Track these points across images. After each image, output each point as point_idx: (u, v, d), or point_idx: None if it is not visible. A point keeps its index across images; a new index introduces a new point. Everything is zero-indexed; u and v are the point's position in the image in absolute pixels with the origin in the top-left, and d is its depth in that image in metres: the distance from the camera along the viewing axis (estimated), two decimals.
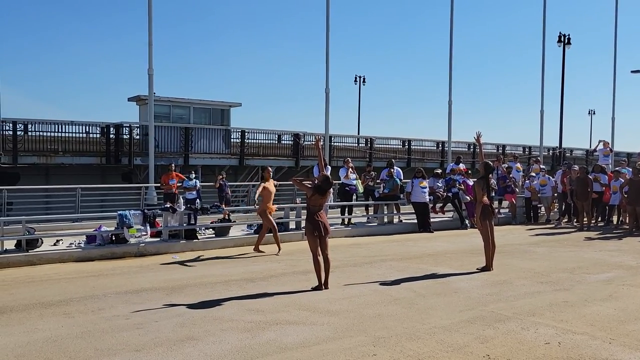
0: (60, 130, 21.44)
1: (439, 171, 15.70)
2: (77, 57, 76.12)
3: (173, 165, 16.04)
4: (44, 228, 11.54)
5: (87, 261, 9.65)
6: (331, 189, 7.56)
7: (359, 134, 38.69)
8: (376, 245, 11.49)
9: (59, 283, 7.81)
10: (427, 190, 14.12)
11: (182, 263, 9.41)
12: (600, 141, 19.51)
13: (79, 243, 10.41)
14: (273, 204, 10.61)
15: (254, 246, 10.46)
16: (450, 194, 14.77)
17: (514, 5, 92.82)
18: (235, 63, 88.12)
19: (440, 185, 14.85)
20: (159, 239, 10.98)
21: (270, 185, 10.38)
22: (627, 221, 14.02)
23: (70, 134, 21.67)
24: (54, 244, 10.28)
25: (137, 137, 22.92)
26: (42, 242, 10.01)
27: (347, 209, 14.16)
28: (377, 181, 15.00)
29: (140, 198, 15.87)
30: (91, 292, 7.05)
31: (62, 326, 5.56)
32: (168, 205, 11.38)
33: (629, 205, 13.57)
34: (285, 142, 27.29)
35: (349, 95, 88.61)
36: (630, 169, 14.50)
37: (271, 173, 10.88)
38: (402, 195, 14.55)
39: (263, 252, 10.24)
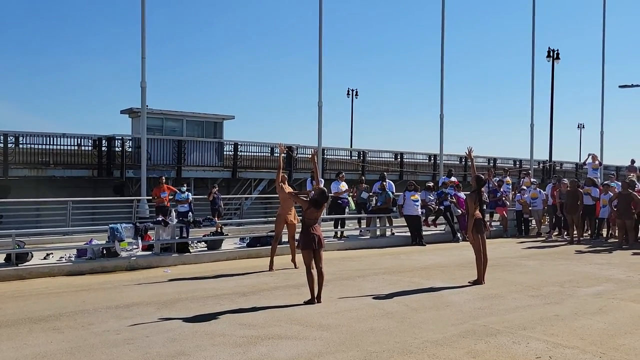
0: (51, 143, 21.36)
1: (431, 184, 15.78)
2: (70, 70, 75.98)
3: (164, 177, 15.99)
4: (34, 241, 11.45)
5: (77, 275, 9.58)
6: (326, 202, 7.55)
7: (351, 146, 38.86)
8: (369, 259, 11.50)
9: (48, 297, 7.75)
10: (419, 203, 14.17)
11: (173, 277, 9.36)
12: (589, 155, 19.70)
13: (69, 257, 10.33)
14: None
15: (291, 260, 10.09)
16: (442, 207, 14.84)
17: (504, 20, 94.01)
18: (228, 76, 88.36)
19: (432, 198, 14.92)
20: (150, 252, 10.93)
21: (284, 189, 9.91)
22: (617, 234, 14.12)
23: (62, 147, 21.60)
24: (44, 258, 10.19)
25: (130, 149, 22.88)
26: (32, 256, 9.93)
27: (339, 222, 14.18)
28: (370, 194, 15.06)
29: (132, 211, 15.79)
30: (81, 307, 7.00)
31: (52, 342, 5.51)
32: (160, 218, 11.34)
33: (619, 218, 13.68)
34: (279, 154, 27.35)
35: (341, 108, 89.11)
36: (620, 183, 14.64)
37: (285, 178, 10.37)
38: (394, 209, 14.59)
39: (297, 267, 9.75)
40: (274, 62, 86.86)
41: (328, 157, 28.08)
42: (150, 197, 15.61)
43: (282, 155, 10.18)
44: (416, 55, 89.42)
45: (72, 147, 21.95)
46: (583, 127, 65.88)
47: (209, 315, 6.48)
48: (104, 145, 22.21)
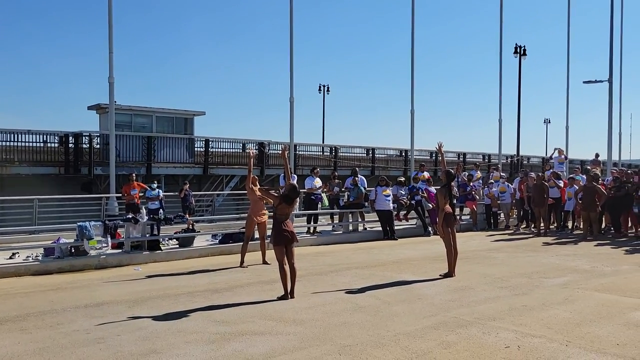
0: (16, 140, 20.84)
1: (402, 179, 15.94)
2: (35, 65, 74.01)
3: (134, 174, 15.77)
4: None
5: (45, 274, 9.36)
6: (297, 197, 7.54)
7: (323, 142, 38.90)
8: (341, 253, 11.56)
9: (15, 298, 7.56)
10: (390, 198, 14.30)
11: (145, 275, 9.24)
12: (555, 149, 20.19)
13: (36, 256, 10.10)
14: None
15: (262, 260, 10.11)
16: (413, 202, 15.00)
17: (473, 18, 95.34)
18: (199, 72, 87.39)
19: (403, 193, 15.07)
20: (120, 250, 10.76)
21: (254, 191, 9.89)
22: (582, 226, 14.51)
23: (27, 144, 21.09)
24: (10, 257, 9.93)
25: (98, 146, 22.46)
26: None
27: (312, 218, 14.21)
28: (342, 189, 15.13)
29: (101, 209, 15.52)
30: (49, 307, 6.85)
31: (19, 343, 5.38)
32: (130, 216, 11.18)
33: (583, 211, 14.05)
34: (248, 157, 27.16)
35: (313, 103, 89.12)
36: (584, 176, 15.06)
37: (256, 179, 10.43)
38: (366, 204, 14.68)
39: (269, 264, 9.72)
40: (245, 58, 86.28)
41: (300, 152, 28.10)
42: (120, 195, 15.37)
43: (252, 154, 10.08)
44: (387, 51, 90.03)
45: (38, 144, 21.43)
46: (549, 122, 67.50)
47: (181, 313, 6.42)
48: (71, 142, 21.73)
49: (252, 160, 9.98)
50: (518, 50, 34.78)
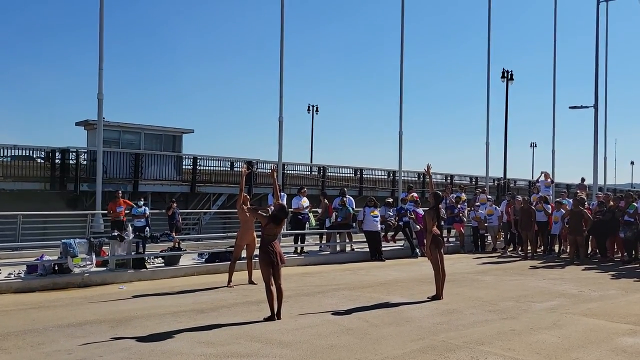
0: (1, 155, 20.58)
1: (391, 200, 15.96)
2: (24, 80, 73.61)
3: (120, 192, 15.65)
4: None
5: (27, 292, 9.17)
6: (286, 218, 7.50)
7: (311, 162, 38.96)
8: (329, 274, 11.48)
9: None
10: (378, 219, 14.29)
11: (129, 294, 9.09)
12: (542, 173, 20.35)
13: (18, 273, 9.90)
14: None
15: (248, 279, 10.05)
16: (401, 223, 15.00)
17: (462, 42, 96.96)
18: (188, 90, 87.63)
19: (391, 214, 15.07)
20: (105, 268, 10.60)
21: (245, 211, 9.76)
22: (569, 250, 14.58)
23: (13, 159, 20.83)
24: None
25: (85, 162, 22.26)
26: None
27: (300, 238, 14.14)
28: (333, 208, 15.08)
29: (86, 226, 15.32)
30: (31, 326, 6.70)
31: None
32: (115, 233, 11.04)
33: (570, 234, 14.14)
34: (238, 169, 27.14)
35: (302, 123, 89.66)
36: (571, 200, 15.17)
37: (248, 199, 10.36)
38: (354, 224, 14.65)
39: (255, 283, 9.66)
40: (235, 77, 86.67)
41: (288, 172, 28.07)
42: (106, 212, 15.21)
43: (244, 171, 10.02)
44: (376, 74, 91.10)
45: (24, 160, 21.18)
46: (535, 145, 68.08)
47: (166, 334, 6.31)
48: (57, 157, 21.51)
49: (244, 178, 9.91)
50: (505, 74, 35.28)
